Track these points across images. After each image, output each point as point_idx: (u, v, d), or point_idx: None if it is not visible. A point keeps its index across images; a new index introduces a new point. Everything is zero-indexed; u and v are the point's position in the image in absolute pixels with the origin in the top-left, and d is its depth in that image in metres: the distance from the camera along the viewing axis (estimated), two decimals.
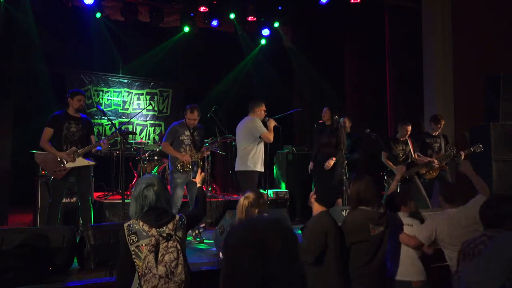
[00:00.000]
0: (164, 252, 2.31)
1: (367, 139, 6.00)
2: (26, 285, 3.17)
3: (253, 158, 5.09)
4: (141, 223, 2.35)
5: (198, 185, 3.07)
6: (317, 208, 3.13)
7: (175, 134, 5.12)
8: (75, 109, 4.82)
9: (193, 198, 4.95)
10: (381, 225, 3.09)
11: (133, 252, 2.30)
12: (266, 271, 1.10)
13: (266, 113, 5.34)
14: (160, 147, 7.26)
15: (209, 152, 5.36)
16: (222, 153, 7.57)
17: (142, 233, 2.32)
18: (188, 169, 5.03)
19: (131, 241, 2.31)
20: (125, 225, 2.36)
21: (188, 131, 5.16)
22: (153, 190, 2.40)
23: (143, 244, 2.30)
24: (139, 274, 2.28)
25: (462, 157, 5.79)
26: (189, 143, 5.14)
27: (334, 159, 5.77)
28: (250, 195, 3.12)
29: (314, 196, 3.15)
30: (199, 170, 3.25)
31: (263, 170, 5.24)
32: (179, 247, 2.36)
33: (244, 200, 3.11)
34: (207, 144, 5.55)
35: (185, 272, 2.35)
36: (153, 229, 2.34)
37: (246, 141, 5.16)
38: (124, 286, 2.35)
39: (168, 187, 6.80)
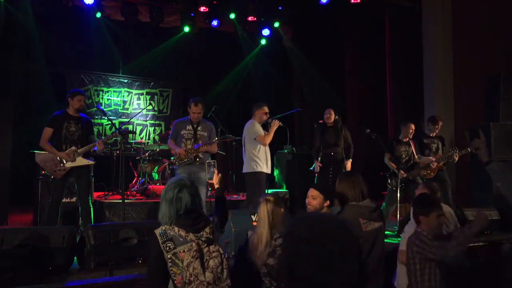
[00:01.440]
0: (208, 258, 2.20)
1: (368, 139, 6.00)
2: (26, 285, 3.16)
3: (256, 160, 5.21)
4: (176, 229, 2.20)
5: (216, 186, 2.95)
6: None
7: (178, 130, 5.08)
8: (75, 109, 4.82)
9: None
10: (375, 221, 2.99)
11: (169, 260, 2.15)
12: (324, 268, 1.11)
13: (268, 116, 5.38)
14: (161, 147, 7.28)
15: (205, 147, 5.25)
16: (222, 153, 7.55)
17: (179, 239, 2.18)
18: (182, 162, 4.91)
19: (167, 248, 2.15)
20: (157, 231, 2.20)
21: (190, 125, 5.06)
22: (188, 192, 2.26)
23: (182, 251, 2.16)
24: (176, 282, 2.16)
25: (456, 159, 5.78)
26: (190, 137, 5.03)
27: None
28: (269, 198, 2.89)
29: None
30: (216, 171, 3.07)
31: (269, 172, 5.32)
32: (221, 251, 2.26)
33: (266, 205, 2.84)
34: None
35: (229, 277, 2.26)
36: (191, 234, 2.20)
37: (248, 144, 5.29)
38: None
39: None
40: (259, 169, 5.19)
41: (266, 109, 5.39)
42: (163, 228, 2.22)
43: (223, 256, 2.25)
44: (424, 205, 2.90)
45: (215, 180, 2.98)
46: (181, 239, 2.18)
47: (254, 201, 5.12)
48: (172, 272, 2.16)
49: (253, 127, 5.31)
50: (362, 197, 3.07)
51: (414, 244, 2.77)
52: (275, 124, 5.28)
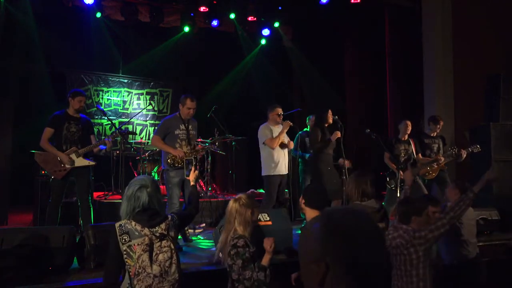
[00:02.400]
0: (158, 252, 2.33)
1: (368, 139, 6.00)
2: (26, 285, 3.17)
3: (266, 163, 5.26)
4: (133, 223, 2.34)
5: (192, 183, 3.02)
6: (309, 213, 2.94)
7: (168, 128, 4.76)
8: (75, 109, 4.82)
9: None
10: (377, 222, 3.02)
11: (124, 252, 2.30)
12: (370, 258, 1.13)
13: (281, 117, 5.36)
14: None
15: (203, 153, 5.20)
16: (222, 153, 7.56)
17: (134, 233, 2.32)
18: (180, 165, 4.66)
19: (123, 240, 2.31)
20: (117, 224, 2.36)
21: (183, 124, 4.79)
22: (146, 192, 2.39)
23: (136, 244, 2.30)
24: (131, 273, 2.29)
25: (464, 156, 5.79)
26: (184, 137, 4.77)
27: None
28: (241, 197, 2.91)
29: (303, 201, 2.98)
30: (193, 168, 3.17)
31: (284, 173, 5.30)
32: (172, 247, 2.37)
33: (234, 203, 2.86)
34: (207, 144, 5.51)
35: (178, 271, 2.37)
36: (146, 228, 2.34)
37: (260, 147, 5.34)
38: (111, 285, 2.35)
39: (163, 186, 6.77)
40: (266, 173, 5.23)
41: (278, 110, 5.36)
42: (122, 222, 2.37)
43: (173, 251, 2.37)
44: (417, 204, 2.89)
45: (192, 177, 3.06)
46: (136, 233, 2.33)
47: (263, 204, 5.13)
48: (127, 263, 2.31)
49: (262, 131, 5.30)
50: (364, 197, 3.09)
51: (413, 237, 2.71)
52: (286, 126, 5.28)
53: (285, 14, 9.08)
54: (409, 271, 2.72)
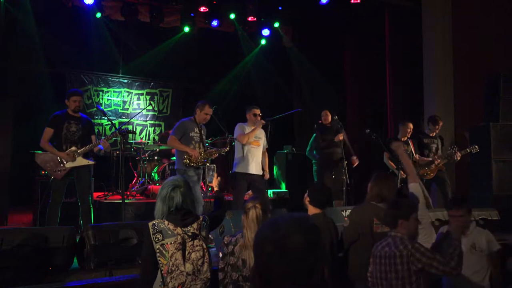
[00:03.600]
0: (191, 251, 2.39)
1: (368, 139, 6.01)
2: (26, 285, 3.16)
3: (236, 161, 5.35)
4: (166, 222, 2.40)
5: (216, 189, 3.15)
6: (311, 210, 3.12)
7: (185, 130, 5.02)
8: (72, 109, 4.83)
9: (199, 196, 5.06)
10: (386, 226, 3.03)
11: (157, 251, 2.36)
12: (285, 267, 1.15)
13: (257, 117, 5.37)
14: (161, 147, 7.27)
15: (217, 155, 5.31)
16: (222, 153, 7.56)
17: (167, 232, 2.38)
18: (195, 164, 4.95)
19: (156, 239, 2.36)
20: (150, 224, 2.41)
21: (197, 128, 5.09)
22: (180, 192, 2.46)
23: (169, 243, 2.36)
24: (163, 272, 2.34)
25: (458, 158, 5.80)
26: (198, 140, 5.07)
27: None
28: (257, 205, 2.79)
29: (308, 198, 3.14)
30: (215, 174, 3.32)
31: (252, 172, 5.24)
32: (204, 246, 2.44)
33: (255, 211, 2.74)
34: (207, 144, 5.54)
35: (210, 270, 2.43)
36: (179, 228, 2.40)
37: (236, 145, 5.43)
38: (147, 283, 2.40)
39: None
40: (235, 170, 5.30)
41: (254, 111, 5.40)
42: (155, 221, 2.42)
43: (205, 250, 2.43)
44: (404, 207, 2.75)
45: (215, 183, 3.18)
46: (169, 232, 2.39)
47: (234, 203, 5.24)
48: (160, 262, 2.36)
49: (236, 129, 5.39)
50: (379, 198, 3.12)
51: (407, 250, 2.57)
52: (258, 124, 5.33)
53: (285, 14, 9.08)
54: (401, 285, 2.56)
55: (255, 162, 5.29)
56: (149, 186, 6.70)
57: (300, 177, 7.32)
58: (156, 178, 7.13)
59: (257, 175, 5.30)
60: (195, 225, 2.45)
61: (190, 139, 5.00)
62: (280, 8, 8.97)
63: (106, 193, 6.57)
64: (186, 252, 2.37)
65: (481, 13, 7.06)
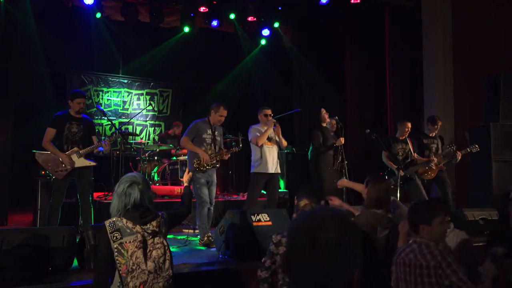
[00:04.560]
0: (152, 248, 2.34)
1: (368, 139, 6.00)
2: (26, 285, 3.17)
3: (253, 161, 5.43)
4: (124, 220, 2.33)
5: (185, 184, 3.07)
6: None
7: (198, 131, 5.00)
8: (75, 111, 4.84)
9: (212, 199, 5.06)
10: (386, 229, 3.08)
11: (115, 250, 2.28)
12: (314, 260, 1.11)
13: (268, 117, 5.43)
14: (161, 147, 7.28)
15: (229, 155, 5.33)
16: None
17: (126, 230, 2.31)
18: (204, 168, 4.90)
19: (114, 238, 2.29)
20: (106, 222, 2.33)
21: (210, 129, 5.05)
22: (138, 189, 2.38)
23: (128, 241, 2.30)
24: (121, 272, 2.27)
25: (459, 158, 5.79)
26: (210, 142, 5.03)
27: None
28: (312, 203, 2.99)
29: (296, 200, 3.17)
30: (187, 170, 3.27)
31: (269, 171, 5.36)
32: (165, 243, 2.39)
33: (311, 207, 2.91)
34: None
35: (172, 267, 2.38)
36: (138, 226, 2.34)
37: (251, 146, 5.49)
38: (102, 284, 2.33)
39: (164, 187, 6.77)
40: (252, 170, 5.41)
41: (265, 111, 5.46)
42: (113, 220, 2.34)
43: (166, 248, 2.38)
44: (424, 212, 2.48)
45: (185, 179, 3.11)
46: (128, 230, 2.32)
47: (247, 201, 5.38)
48: (117, 261, 2.28)
49: (250, 132, 5.46)
50: (378, 203, 3.12)
51: (435, 261, 2.29)
52: (270, 124, 5.38)
53: (285, 14, 9.08)
54: None
55: (272, 161, 5.40)
56: None
57: (300, 177, 7.31)
58: (156, 178, 7.13)
59: (275, 173, 5.46)
60: (154, 223, 2.39)
61: (202, 141, 4.98)
62: (280, 8, 8.97)
63: (106, 193, 6.57)
64: (147, 250, 2.32)
65: (481, 13, 7.07)
